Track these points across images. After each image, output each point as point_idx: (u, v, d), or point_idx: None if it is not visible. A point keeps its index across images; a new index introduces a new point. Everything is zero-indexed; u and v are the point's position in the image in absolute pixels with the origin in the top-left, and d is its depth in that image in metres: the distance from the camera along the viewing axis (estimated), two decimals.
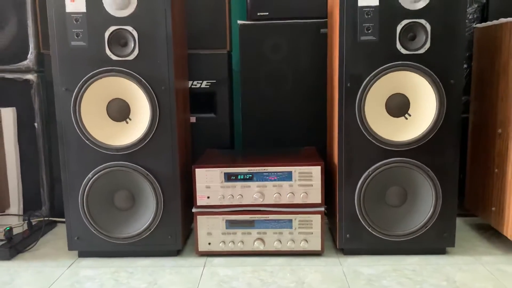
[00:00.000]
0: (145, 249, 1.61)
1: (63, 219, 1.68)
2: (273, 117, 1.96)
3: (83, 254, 1.65)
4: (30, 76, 1.92)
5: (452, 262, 1.54)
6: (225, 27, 1.91)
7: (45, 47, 1.90)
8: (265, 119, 1.96)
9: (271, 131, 1.97)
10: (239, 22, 1.91)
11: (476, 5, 1.84)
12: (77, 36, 1.50)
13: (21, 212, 1.97)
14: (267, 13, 1.89)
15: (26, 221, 1.82)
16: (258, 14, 1.89)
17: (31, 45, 1.91)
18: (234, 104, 2.10)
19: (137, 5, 1.48)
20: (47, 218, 1.91)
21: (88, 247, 1.61)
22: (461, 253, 1.61)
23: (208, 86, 1.95)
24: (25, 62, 1.91)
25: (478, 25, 1.78)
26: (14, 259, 1.64)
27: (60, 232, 1.89)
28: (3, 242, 1.66)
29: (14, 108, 1.94)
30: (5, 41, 1.91)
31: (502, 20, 1.59)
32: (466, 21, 1.81)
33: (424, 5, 1.44)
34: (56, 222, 1.98)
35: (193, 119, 1.95)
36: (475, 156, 1.81)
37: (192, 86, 1.94)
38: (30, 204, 1.99)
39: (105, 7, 1.48)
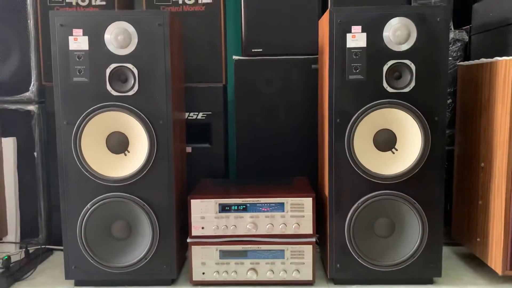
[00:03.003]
0: (140, 278, 1.64)
1: (60, 247, 1.72)
2: (266, 148, 2.02)
3: (79, 283, 1.67)
4: (31, 107, 1.98)
5: None
6: (221, 62, 2.00)
7: (46, 79, 1.97)
8: (258, 149, 2.03)
9: (265, 161, 2.03)
10: (235, 57, 2.00)
11: (459, 44, 1.94)
12: (79, 72, 1.57)
13: (18, 240, 2.00)
14: (261, 50, 1.98)
15: (24, 249, 1.85)
16: (253, 50, 1.98)
17: (33, 77, 1.97)
18: (229, 135, 2.17)
19: (137, 44, 1.56)
20: (44, 246, 1.94)
21: (85, 276, 1.65)
22: (448, 283, 1.66)
23: (204, 118, 2.02)
24: (27, 94, 1.97)
25: (461, 63, 1.88)
26: None
27: (56, 260, 1.92)
28: (1, 271, 1.69)
29: (15, 138, 1.99)
30: (8, 72, 1.98)
31: (483, 60, 1.69)
32: (450, 58, 1.92)
33: (409, 47, 1.53)
34: (52, 250, 2.01)
35: (188, 149, 2.01)
36: (460, 188, 1.88)
37: (189, 118, 2.01)
38: (27, 232, 2.02)
39: (107, 45, 1.56)
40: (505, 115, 1.52)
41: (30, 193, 2.02)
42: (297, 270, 1.63)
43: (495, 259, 1.60)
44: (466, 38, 1.95)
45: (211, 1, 1.97)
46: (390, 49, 1.54)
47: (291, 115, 2.00)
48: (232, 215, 1.63)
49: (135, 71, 1.56)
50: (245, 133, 2.02)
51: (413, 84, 1.55)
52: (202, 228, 1.64)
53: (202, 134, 2.03)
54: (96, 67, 1.56)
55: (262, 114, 2.01)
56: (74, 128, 1.57)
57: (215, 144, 2.04)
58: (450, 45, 1.92)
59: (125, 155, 1.62)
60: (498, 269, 1.58)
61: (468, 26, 1.97)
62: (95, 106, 1.57)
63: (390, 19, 1.53)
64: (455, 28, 1.98)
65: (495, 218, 1.60)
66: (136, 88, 1.57)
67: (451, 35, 1.93)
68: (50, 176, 2.03)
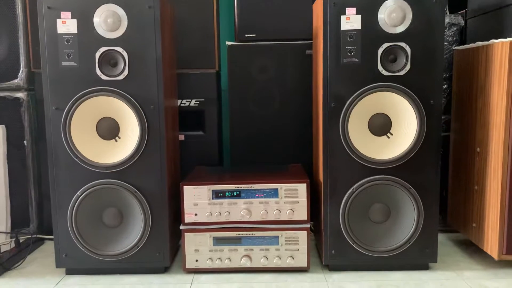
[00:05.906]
0: (133, 266, 1.62)
1: (51, 236, 1.69)
2: (261, 135, 2.00)
3: (70, 272, 1.65)
4: (21, 94, 1.94)
5: (435, 278, 1.58)
6: (214, 47, 1.96)
7: (35, 66, 1.93)
8: (252, 136, 2.00)
9: (259, 148, 2.01)
10: (228, 43, 1.96)
11: (455, 28, 1.92)
12: (68, 57, 1.54)
13: (9, 230, 1.97)
14: (254, 35, 1.95)
15: (14, 239, 1.82)
16: (246, 35, 1.95)
17: (22, 64, 1.93)
18: (222, 122, 2.14)
19: (127, 27, 1.52)
20: (35, 236, 1.91)
21: (76, 264, 1.62)
22: (444, 269, 1.64)
23: (197, 105, 1.99)
24: (15, 81, 1.93)
25: (457, 48, 1.85)
26: (1, 277, 1.64)
27: (47, 249, 1.89)
28: None
29: (4, 126, 1.95)
30: None
31: (479, 43, 1.66)
32: (446, 43, 1.89)
33: (404, 29, 1.51)
34: (44, 239, 1.98)
35: (182, 137, 1.98)
36: (456, 173, 1.87)
37: (181, 105, 1.97)
38: (18, 222, 1.99)
39: (96, 28, 1.52)
40: (502, 96, 1.50)
41: (20, 182, 1.99)
42: (292, 257, 1.61)
43: (491, 244, 1.58)
44: (462, 22, 1.92)
45: None
46: (385, 32, 1.51)
47: (286, 101, 1.97)
48: (225, 201, 1.61)
49: (125, 54, 1.53)
50: (239, 120, 1.99)
51: (408, 67, 1.52)
52: (195, 214, 1.61)
53: (195, 121, 2.00)
54: (85, 51, 1.53)
55: (256, 101, 1.98)
56: (63, 114, 1.54)
57: (209, 132, 2.01)
58: (446, 30, 1.89)
59: (116, 141, 1.59)
60: (494, 254, 1.57)
61: (463, 11, 1.95)
62: (85, 91, 1.54)
63: (385, 1, 1.50)
64: (450, 12, 1.96)
65: (491, 203, 1.58)
66: (126, 72, 1.54)
67: (447, 20, 1.90)
68: (40, 164, 2.00)
